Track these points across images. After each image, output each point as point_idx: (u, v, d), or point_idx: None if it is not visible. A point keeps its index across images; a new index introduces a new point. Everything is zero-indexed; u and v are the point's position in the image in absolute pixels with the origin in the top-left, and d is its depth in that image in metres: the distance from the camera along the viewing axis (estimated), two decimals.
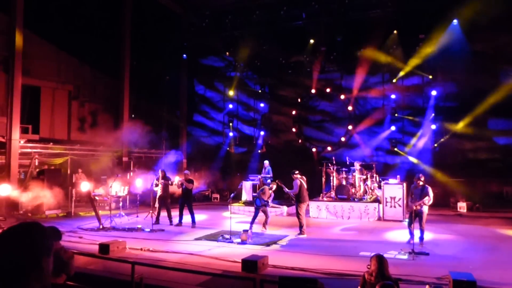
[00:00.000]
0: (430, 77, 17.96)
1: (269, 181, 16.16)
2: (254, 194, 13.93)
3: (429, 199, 9.54)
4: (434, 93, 17.63)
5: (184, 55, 22.05)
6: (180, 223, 12.55)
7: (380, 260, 5.04)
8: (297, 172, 11.46)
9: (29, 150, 16.14)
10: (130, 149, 19.72)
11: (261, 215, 11.56)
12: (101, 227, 11.68)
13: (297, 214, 11.14)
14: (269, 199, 11.47)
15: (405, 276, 6.70)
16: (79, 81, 19.96)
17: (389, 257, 7.38)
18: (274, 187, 11.99)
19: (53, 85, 19.01)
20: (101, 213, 12.62)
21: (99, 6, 18.67)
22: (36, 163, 16.37)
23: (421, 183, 9.71)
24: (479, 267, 7.39)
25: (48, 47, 18.49)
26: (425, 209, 9.63)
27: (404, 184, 13.61)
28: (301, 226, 11.03)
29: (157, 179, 12.91)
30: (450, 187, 16.51)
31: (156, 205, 12.80)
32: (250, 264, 7.25)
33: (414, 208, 9.46)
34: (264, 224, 11.50)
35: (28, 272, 1.63)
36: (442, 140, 17.74)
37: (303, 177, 11.58)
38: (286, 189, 11.71)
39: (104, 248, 8.53)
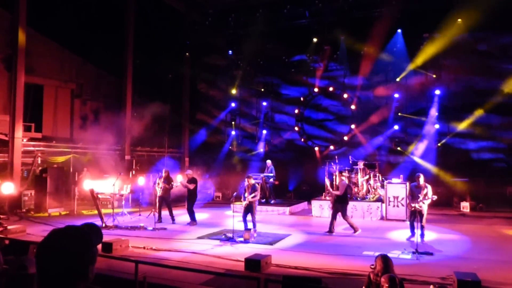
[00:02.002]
0: (434, 76, 17.89)
1: (271, 180, 16.18)
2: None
3: (428, 198, 9.67)
4: (437, 92, 17.55)
5: (187, 53, 22.03)
6: (193, 221, 12.50)
7: (386, 260, 5.02)
8: (345, 173, 11.72)
9: (31, 148, 16.15)
10: (132, 147, 19.72)
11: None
12: (103, 225, 11.68)
13: (344, 217, 11.04)
14: (250, 196, 10.96)
15: (409, 276, 6.66)
16: (82, 79, 19.96)
17: (393, 256, 7.32)
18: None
19: (56, 83, 19.02)
20: (103, 211, 12.62)
21: (102, 4, 18.65)
22: (39, 161, 16.39)
23: (421, 182, 9.87)
24: (483, 267, 7.35)
25: (51, 45, 18.50)
26: (425, 207, 9.81)
27: (407, 184, 13.56)
28: (352, 226, 11.01)
29: (160, 178, 12.89)
30: (453, 186, 16.45)
31: (156, 204, 12.80)
32: (253, 263, 7.23)
33: (414, 207, 9.62)
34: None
35: (75, 281, 1.61)
36: (445, 139, 17.67)
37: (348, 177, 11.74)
38: (331, 190, 11.76)
39: (107, 246, 8.52)
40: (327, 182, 12.78)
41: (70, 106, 19.71)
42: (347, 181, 11.51)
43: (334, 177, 15.41)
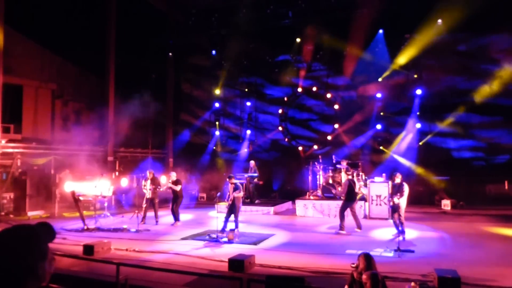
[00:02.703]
0: (415, 76, 18.15)
1: (255, 180, 16.19)
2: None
3: (401, 196, 9.96)
4: (419, 92, 17.81)
5: (170, 53, 21.87)
6: (177, 221, 12.48)
7: (368, 258, 5.07)
8: (349, 172, 12.20)
9: (10, 150, 15.81)
10: (115, 149, 19.48)
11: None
12: (85, 227, 11.51)
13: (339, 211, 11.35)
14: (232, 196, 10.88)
15: (391, 273, 6.74)
16: (63, 80, 19.62)
17: (375, 254, 7.42)
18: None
19: (36, 83, 18.65)
20: (85, 213, 12.44)
21: (83, 3, 18.37)
22: (19, 163, 16.05)
23: (398, 180, 10.21)
24: (463, 264, 7.48)
25: (31, 45, 18.13)
26: (402, 204, 10.08)
27: (390, 182, 13.72)
28: (341, 225, 11.20)
29: (145, 180, 12.78)
30: (434, 185, 16.73)
31: (144, 205, 12.68)
32: (237, 263, 7.21)
33: (391, 204, 10.19)
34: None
35: (24, 280, 1.57)
36: (426, 138, 17.95)
37: (352, 176, 12.17)
38: (334, 190, 12.34)
39: (88, 249, 8.39)
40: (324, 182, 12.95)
41: (51, 107, 19.35)
42: (347, 178, 11.91)
43: (318, 176, 15.53)
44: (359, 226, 11.33)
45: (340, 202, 13.95)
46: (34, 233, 1.67)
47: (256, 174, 16.09)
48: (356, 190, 11.53)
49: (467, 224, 12.14)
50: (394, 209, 10.11)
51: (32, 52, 18.22)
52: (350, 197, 11.42)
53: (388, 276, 6.40)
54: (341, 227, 11.14)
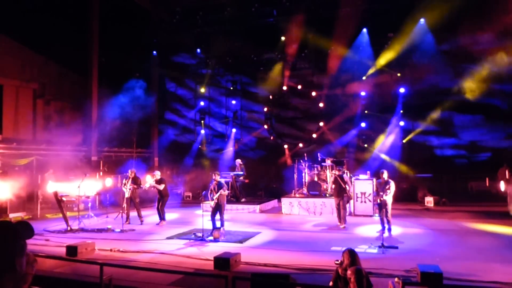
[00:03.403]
0: (399, 74, 18.37)
1: (241, 178, 16.18)
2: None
3: (389, 192, 10.11)
4: (402, 90, 18.04)
5: (154, 52, 21.69)
6: (162, 220, 12.41)
7: (352, 254, 5.11)
8: (339, 168, 12.61)
9: None
10: (99, 148, 19.24)
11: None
12: (68, 228, 11.35)
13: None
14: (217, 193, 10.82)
15: (375, 269, 6.82)
16: (44, 79, 19.29)
17: (360, 251, 7.47)
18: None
19: (17, 83, 18.32)
20: (69, 214, 12.26)
21: (65, 1, 18.08)
22: None
23: (385, 177, 10.34)
24: (445, 259, 7.61)
25: (11, 43, 17.78)
26: (389, 201, 10.21)
27: (374, 180, 13.87)
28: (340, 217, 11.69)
29: (126, 179, 12.64)
30: (418, 182, 16.96)
31: (124, 204, 12.56)
32: (222, 261, 7.19)
33: (379, 200, 10.17)
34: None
35: (2, 273, 1.59)
36: (410, 136, 18.19)
37: (342, 172, 12.33)
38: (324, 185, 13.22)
39: (71, 250, 8.27)
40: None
41: (32, 107, 19.03)
42: (336, 173, 12.06)
43: (303, 174, 15.59)
44: (341, 222, 11.57)
45: (326, 200, 14.11)
46: (14, 229, 1.68)
47: (242, 173, 16.09)
48: (344, 186, 11.66)
49: (449, 221, 12.34)
50: (381, 206, 10.20)
51: (12, 51, 17.89)
52: (337, 192, 11.62)
53: (372, 272, 6.47)
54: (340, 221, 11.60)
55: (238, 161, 16.59)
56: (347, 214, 13.66)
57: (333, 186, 11.80)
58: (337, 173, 11.95)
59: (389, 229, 10.21)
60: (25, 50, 18.41)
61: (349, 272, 4.71)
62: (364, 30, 18.17)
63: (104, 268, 5.72)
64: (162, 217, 12.40)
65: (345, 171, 15.33)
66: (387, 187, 10.14)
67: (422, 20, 16.85)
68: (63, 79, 20.16)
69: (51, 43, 17.99)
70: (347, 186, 11.52)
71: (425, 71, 17.97)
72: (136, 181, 12.59)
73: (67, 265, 7.74)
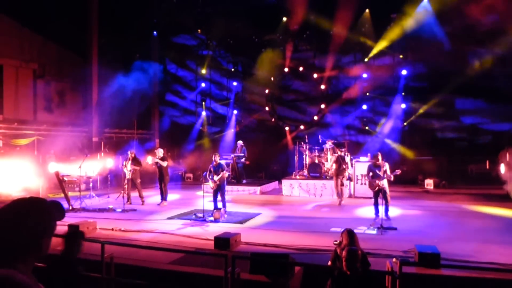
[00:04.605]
0: (401, 56, 18.20)
1: (243, 160, 16.23)
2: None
3: (388, 175, 9.67)
4: (404, 72, 17.90)
5: (155, 33, 21.47)
6: (164, 201, 12.48)
7: (351, 234, 5.16)
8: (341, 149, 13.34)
9: None
10: (100, 129, 19.24)
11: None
12: (70, 208, 11.45)
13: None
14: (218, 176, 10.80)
15: (374, 250, 6.89)
16: (44, 59, 19.17)
17: (359, 232, 7.55)
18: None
19: (16, 63, 18.21)
20: (71, 194, 12.35)
21: None
22: (0, 144, 15.78)
23: (379, 160, 9.90)
24: (443, 240, 7.68)
25: (10, 23, 17.60)
26: (386, 184, 9.82)
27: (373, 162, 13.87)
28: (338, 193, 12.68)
29: (126, 160, 12.68)
30: (418, 164, 16.98)
31: (125, 185, 12.63)
32: (223, 241, 7.27)
33: (378, 185, 9.66)
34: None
35: (27, 252, 1.60)
36: (411, 119, 18.13)
37: (342, 153, 13.10)
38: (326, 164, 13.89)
39: (73, 229, 8.35)
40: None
41: (33, 87, 18.95)
42: (338, 153, 12.95)
43: (304, 156, 15.63)
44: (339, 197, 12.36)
45: (326, 182, 14.17)
46: (47, 208, 1.68)
47: (243, 154, 16.12)
48: (345, 166, 11.76)
49: (448, 203, 12.41)
50: (378, 191, 9.76)
51: (11, 31, 17.73)
52: (337, 171, 12.22)
53: (371, 253, 6.54)
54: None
55: (240, 142, 16.61)
56: (347, 195, 13.82)
57: (334, 165, 11.91)
58: (339, 153, 12.05)
59: (387, 211, 9.83)
60: (24, 30, 18.24)
61: (343, 253, 4.75)
62: (367, 11, 17.91)
63: (105, 247, 5.80)
64: (164, 197, 12.48)
65: (346, 153, 15.40)
66: (384, 169, 9.72)
67: (425, 0, 16.60)
68: (63, 60, 20.02)
69: (51, 23, 17.80)
70: (345, 166, 11.68)
71: (427, 53, 17.77)
72: (136, 162, 12.63)
73: None
